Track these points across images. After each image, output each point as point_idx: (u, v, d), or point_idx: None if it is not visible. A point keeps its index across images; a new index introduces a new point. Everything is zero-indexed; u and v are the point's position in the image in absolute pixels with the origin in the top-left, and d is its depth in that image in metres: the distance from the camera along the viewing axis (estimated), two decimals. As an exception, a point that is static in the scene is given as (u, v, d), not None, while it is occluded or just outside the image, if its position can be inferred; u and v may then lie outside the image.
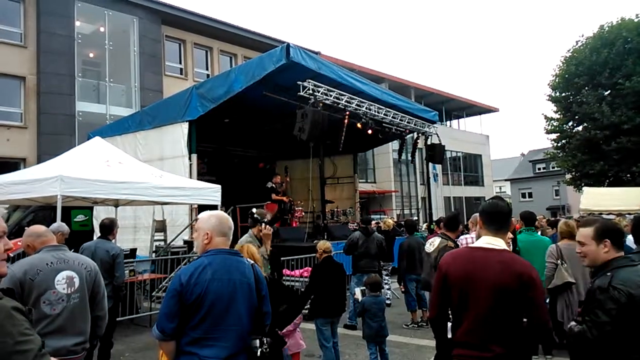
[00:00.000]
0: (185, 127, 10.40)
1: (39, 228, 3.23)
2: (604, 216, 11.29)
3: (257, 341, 2.44)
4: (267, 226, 4.70)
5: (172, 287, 2.45)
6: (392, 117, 13.34)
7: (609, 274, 2.36)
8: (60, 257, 3.04)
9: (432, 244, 5.06)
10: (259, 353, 2.41)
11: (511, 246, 4.98)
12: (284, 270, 6.08)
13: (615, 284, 2.29)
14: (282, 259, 5.89)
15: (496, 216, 2.58)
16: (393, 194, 28.82)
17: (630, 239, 6.09)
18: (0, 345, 1.40)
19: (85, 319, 3.06)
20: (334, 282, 5.14)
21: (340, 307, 5.20)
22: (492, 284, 2.37)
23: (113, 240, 5.74)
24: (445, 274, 2.53)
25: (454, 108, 35.75)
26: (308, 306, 5.52)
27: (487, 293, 2.37)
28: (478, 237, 2.69)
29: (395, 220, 19.50)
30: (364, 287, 5.53)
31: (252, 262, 2.68)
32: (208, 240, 2.57)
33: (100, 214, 10.59)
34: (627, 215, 9.21)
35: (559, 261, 4.86)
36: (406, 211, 28.98)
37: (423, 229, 16.39)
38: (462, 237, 5.34)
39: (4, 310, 1.46)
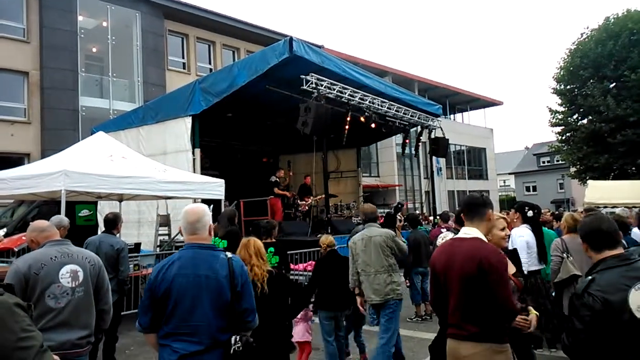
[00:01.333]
0: (188, 121, 10.36)
1: (42, 223, 3.24)
2: (609, 210, 11.22)
3: (233, 338, 2.43)
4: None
5: (147, 282, 2.55)
6: (396, 111, 13.28)
7: (589, 277, 2.20)
8: (64, 251, 3.05)
9: (445, 240, 5.08)
10: (231, 351, 2.40)
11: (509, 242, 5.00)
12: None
13: (592, 290, 2.11)
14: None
15: (468, 207, 2.82)
16: (397, 188, 28.78)
17: (635, 232, 6.06)
18: (3, 341, 1.40)
19: (90, 313, 3.07)
20: (338, 275, 5.12)
21: (345, 302, 5.17)
22: (458, 271, 2.60)
23: (117, 235, 5.76)
24: (433, 265, 2.82)
25: (458, 101, 35.60)
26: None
27: (456, 280, 2.61)
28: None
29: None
30: None
31: (231, 255, 2.61)
32: (182, 235, 2.65)
33: (105, 208, 10.60)
34: (633, 209, 9.16)
35: (564, 254, 4.84)
36: (410, 205, 28.93)
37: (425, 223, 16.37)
38: None
39: (6, 306, 1.45)
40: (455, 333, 2.63)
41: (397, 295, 4.80)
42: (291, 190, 14.76)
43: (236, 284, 2.49)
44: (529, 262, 5.13)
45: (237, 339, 2.43)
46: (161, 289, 2.45)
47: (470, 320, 2.56)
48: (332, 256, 5.28)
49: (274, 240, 5.50)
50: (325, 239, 5.39)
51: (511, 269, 3.02)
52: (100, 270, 3.21)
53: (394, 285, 4.78)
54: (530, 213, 5.10)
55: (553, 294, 4.96)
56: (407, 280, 7.61)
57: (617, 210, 7.78)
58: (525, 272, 4.79)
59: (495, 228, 3.01)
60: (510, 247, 4.46)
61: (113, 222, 5.66)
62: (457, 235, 2.82)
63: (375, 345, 4.87)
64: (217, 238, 5.87)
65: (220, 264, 2.52)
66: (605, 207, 12.16)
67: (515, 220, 5.12)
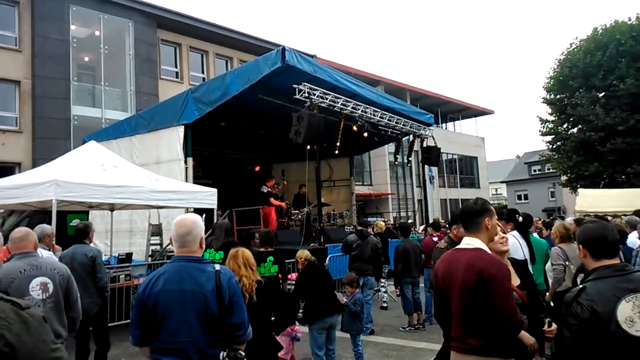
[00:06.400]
0: (181, 130, 10.34)
1: (18, 232, 3.25)
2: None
3: (222, 354, 2.40)
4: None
5: (135, 296, 2.52)
6: (388, 120, 13.36)
7: (580, 286, 2.17)
8: (33, 264, 3.08)
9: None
10: None
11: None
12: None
13: (582, 299, 2.08)
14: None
15: (463, 217, 2.78)
16: (389, 196, 28.83)
17: (630, 240, 6.10)
18: (40, 351, 1.45)
19: (61, 322, 3.11)
20: (321, 286, 5.17)
21: (332, 307, 5.14)
22: (459, 283, 2.54)
23: (90, 244, 5.72)
24: (435, 275, 2.77)
25: (450, 110, 35.83)
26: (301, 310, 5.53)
27: (457, 292, 2.55)
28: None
29: (392, 222, 19.50)
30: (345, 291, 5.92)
31: (219, 268, 2.52)
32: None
33: (96, 218, 10.54)
34: (622, 217, 9.25)
35: (566, 262, 4.85)
36: (402, 214, 28.98)
37: (420, 231, 16.41)
38: None
39: (38, 318, 1.51)
40: (458, 346, 2.59)
41: None
42: (285, 199, 14.75)
43: (223, 298, 2.41)
44: None
45: (225, 355, 2.39)
46: (148, 304, 2.41)
47: (473, 333, 2.50)
48: (312, 268, 5.32)
49: (273, 249, 5.53)
50: (302, 253, 5.44)
51: (515, 280, 2.89)
52: (69, 280, 3.25)
53: None
54: (520, 218, 5.13)
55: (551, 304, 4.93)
56: (397, 289, 7.62)
57: (568, 219, 7.95)
58: None
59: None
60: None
61: (84, 232, 5.60)
62: (459, 246, 2.76)
63: None
64: (212, 249, 5.85)
65: (207, 277, 2.44)
66: (596, 215, 12.26)
67: (508, 230, 5.13)
